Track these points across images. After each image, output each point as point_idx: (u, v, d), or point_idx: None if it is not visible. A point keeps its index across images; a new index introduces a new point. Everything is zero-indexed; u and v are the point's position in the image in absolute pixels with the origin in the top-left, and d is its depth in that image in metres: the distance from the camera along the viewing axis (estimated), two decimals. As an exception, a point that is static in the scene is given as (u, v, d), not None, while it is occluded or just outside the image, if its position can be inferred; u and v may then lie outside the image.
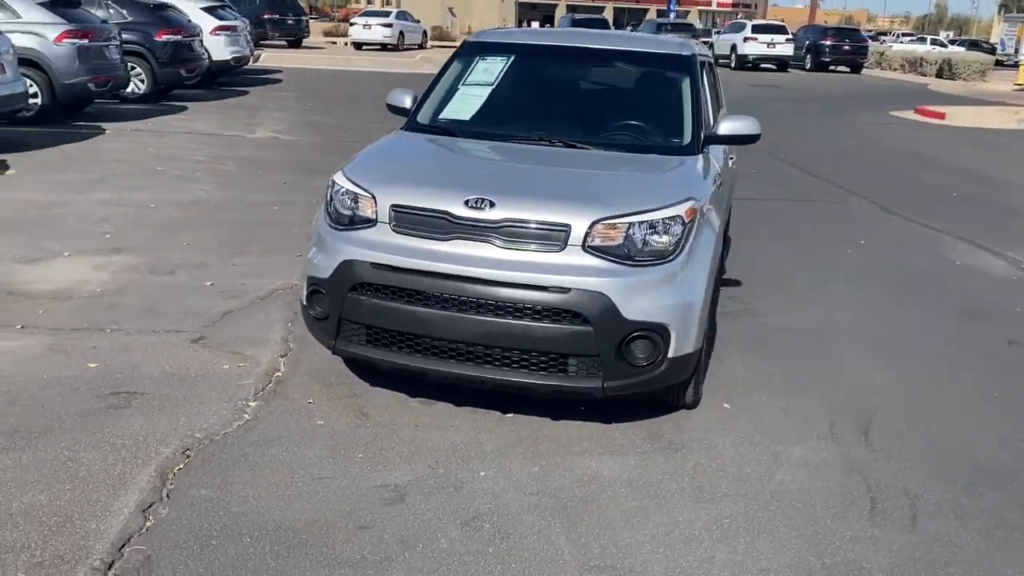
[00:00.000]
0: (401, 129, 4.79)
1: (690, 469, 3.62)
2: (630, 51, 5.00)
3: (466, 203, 3.64)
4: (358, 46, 34.66)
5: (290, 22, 31.35)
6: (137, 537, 2.94)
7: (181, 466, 3.41)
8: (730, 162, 5.58)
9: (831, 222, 8.43)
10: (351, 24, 36.37)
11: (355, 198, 3.86)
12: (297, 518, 3.12)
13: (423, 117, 4.79)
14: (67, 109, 12.27)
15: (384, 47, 34.97)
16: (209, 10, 17.25)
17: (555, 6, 60.73)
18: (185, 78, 14.62)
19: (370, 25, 35.02)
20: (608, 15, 62.97)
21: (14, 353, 4.34)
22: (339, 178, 4.00)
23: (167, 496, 3.20)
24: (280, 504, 3.20)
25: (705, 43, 32.68)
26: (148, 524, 3.03)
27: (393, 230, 3.74)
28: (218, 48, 16.53)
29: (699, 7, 65.54)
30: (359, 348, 3.83)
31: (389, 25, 35.27)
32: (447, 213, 3.65)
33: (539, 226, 3.59)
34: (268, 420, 3.83)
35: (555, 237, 3.58)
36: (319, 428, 3.79)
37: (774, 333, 5.27)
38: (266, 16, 29.88)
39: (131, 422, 3.72)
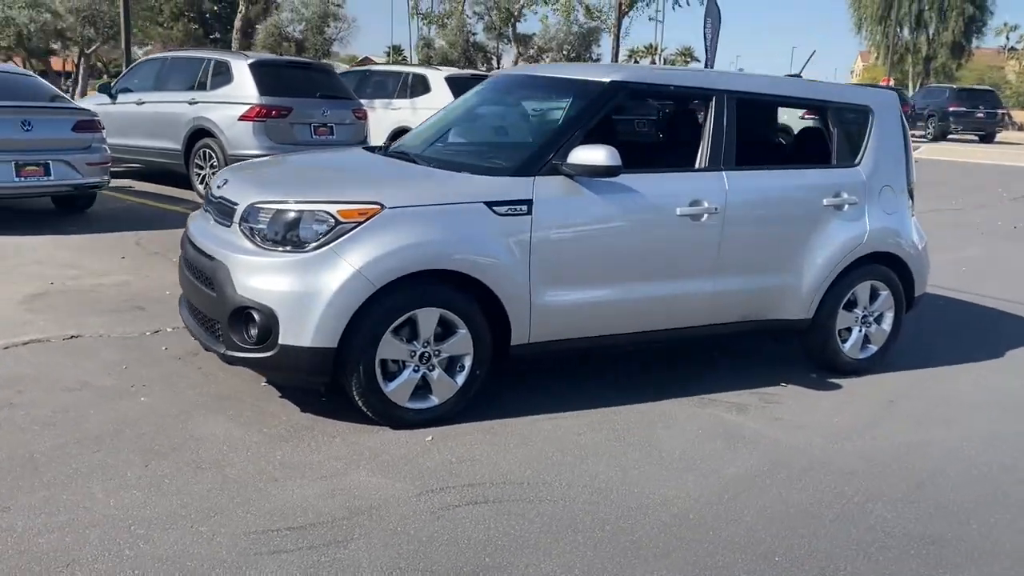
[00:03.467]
0: None
1: (251, 457, 3.71)
2: (556, 77, 4.71)
3: (217, 184, 4.37)
4: None
5: (979, 115, 29.06)
6: (-39, 355, 4.65)
7: (64, 339, 4.97)
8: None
9: None
10: None
11: (218, 182, 4.89)
12: (16, 374, 4.40)
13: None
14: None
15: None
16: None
17: None
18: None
19: None
20: None
21: (158, 276, 6.42)
22: None
23: (23, 344, 4.84)
24: (30, 370, 4.50)
25: None
26: (-8, 347, 4.74)
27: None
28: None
29: None
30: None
31: None
32: (211, 190, 4.44)
33: (225, 204, 4.15)
34: (157, 337, 5.10)
35: (229, 214, 4.08)
36: (158, 351, 4.90)
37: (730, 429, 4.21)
38: (951, 109, 28.40)
39: (102, 319, 5.41)
